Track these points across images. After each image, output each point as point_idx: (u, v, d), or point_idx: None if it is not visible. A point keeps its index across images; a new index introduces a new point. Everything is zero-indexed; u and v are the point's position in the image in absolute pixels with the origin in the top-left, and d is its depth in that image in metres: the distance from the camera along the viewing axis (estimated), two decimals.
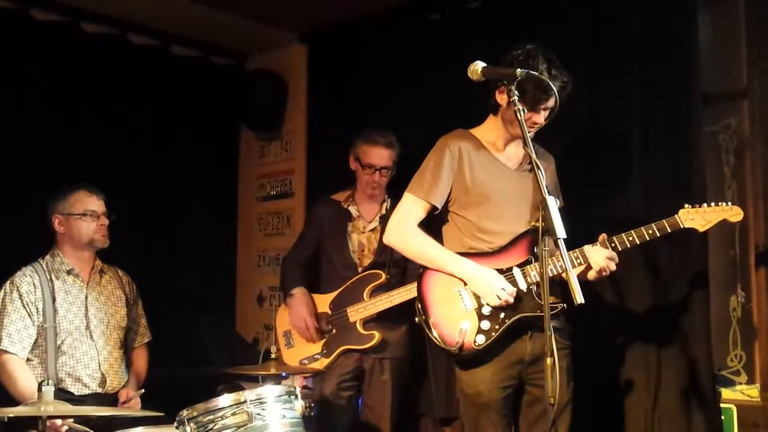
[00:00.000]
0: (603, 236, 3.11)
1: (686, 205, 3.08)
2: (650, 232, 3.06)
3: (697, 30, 3.62)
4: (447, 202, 3.22)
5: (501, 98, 3.10)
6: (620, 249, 3.08)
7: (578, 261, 3.07)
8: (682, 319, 3.53)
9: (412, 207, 3.22)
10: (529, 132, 3.09)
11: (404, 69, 4.60)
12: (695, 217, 3.06)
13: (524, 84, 2.82)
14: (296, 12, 4.87)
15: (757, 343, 3.58)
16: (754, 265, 3.58)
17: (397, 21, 4.67)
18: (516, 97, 2.61)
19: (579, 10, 3.94)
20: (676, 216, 3.07)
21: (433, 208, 3.21)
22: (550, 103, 3.05)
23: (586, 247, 3.08)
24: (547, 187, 2.52)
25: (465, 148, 3.20)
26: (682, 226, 3.06)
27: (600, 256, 3.06)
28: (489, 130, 3.25)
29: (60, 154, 4.60)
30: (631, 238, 3.07)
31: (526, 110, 2.81)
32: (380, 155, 3.95)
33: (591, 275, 3.10)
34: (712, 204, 3.08)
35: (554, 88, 2.92)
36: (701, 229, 3.08)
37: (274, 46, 5.40)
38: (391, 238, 3.26)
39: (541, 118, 3.08)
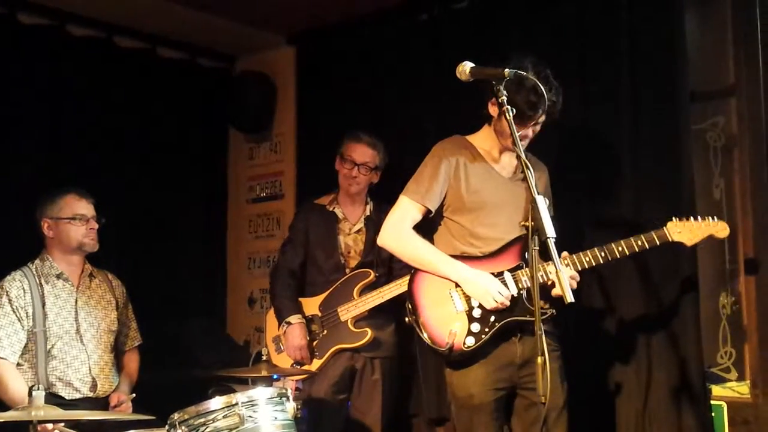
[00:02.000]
0: (565, 254, 3.10)
1: (674, 218, 3.11)
2: (639, 243, 3.09)
3: (684, 28, 3.64)
4: (441, 206, 3.24)
5: (493, 110, 3.12)
6: (610, 258, 3.10)
7: (544, 277, 3.02)
8: (672, 316, 3.55)
9: (408, 209, 3.22)
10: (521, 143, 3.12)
11: (392, 70, 4.61)
12: (683, 231, 3.10)
13: (514, 99, 2.84)
14: (284, 14, 4.87)
15: (747, 340, 3.60)
16: (743, 261, 3.60)
17: (385, 22, 4.68)
18: (505, 97, 2.61)
19: (566, 9, 3.95)
20: (664, 228, 3.10)
21: (428, 211, 3.22)
22: (539, 119, 3.08)
23: (550, 267, 3.04)
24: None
25: (461, 155, 3.21)
26: (670, 239, 3.10)
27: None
28: (484, 139, 3.27)
29: (48, 158, 4.58)
30: (620, 248, 3.09)
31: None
32: (362, 152, 3.97)
33: (554, 292, 3.07)
34: (699, 219, 3.12)
35: (543, 104, 2.96)
36: (689, 244, 3.13)
37: (263, 48, 5.39)
38: (387, 240, 3.27)
39: (529, 131, 3.11)
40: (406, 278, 3.31)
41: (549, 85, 3.02)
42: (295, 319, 3.88)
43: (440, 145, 3.28)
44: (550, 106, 3.03)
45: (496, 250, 3.16)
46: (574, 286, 3.04)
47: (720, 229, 3.12)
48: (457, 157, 3.21)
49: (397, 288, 3.67)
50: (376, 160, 4.00)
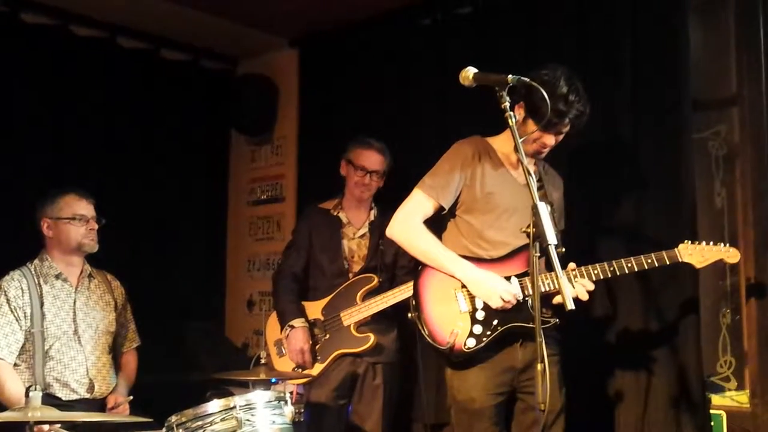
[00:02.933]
0: (572, 266, 3.10)
1: (687, 241, 3.12)
2: (649, 261, 3.09)
3: (687, 37, 3.64)
4: (454, 204, 3.24)
5: (519, 113, 3.10)
6: (618, 273, 3.10)
7: (550, 286, 3.04)
8: (672, 324, 3.54)
9: (421, 203, 3.22)
10: (539, 154, 3.16)
11: (395, 74, 4.62)
12: (694, 253, 3.11)
13: (540, 105, 2.87)
14: (287, 17, 4.87)
15: (747, 349, 3.59)
16: (744, 272, 3.59)
17: (388, 26, 4.68)
18: (507, 103, 2.62)
19: (569, 16, 3.95)
20: (675, 249, 3.11)
21: (441, 208, 3.22)
22: (564, 128, 3.08)
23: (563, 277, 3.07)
24: (553, 212, 2.52)
25: (479, 156, 3.21)
26: (680, 260, 3.10)
27: (577, 286, 3.06)
28: (504, 142, 3.27)
29: (49, 158, 4.58)
30: (629, 265, 3.09)
31: (537, 130, 2.98)
32: (373, 159, 3.97)
33: (556, 300, 3.09)
34: (711, 243, 3.13)
35: (570, 114, 3.00)
36: (698, 266, 3.13)
37: (265, 51, 5.40)
38: (395, 232, 3.25)
39: (552, 140, 3.12)
40: (410, 284, 3.30)
41: (579, 96, 3.03)
42: (298, 323, 3.87)
43: (460, 143, 3.28)
44: (577, 116, 3.04)
45: (504, 255, 3.16)
46: (586, 296, 3.05)
47: (731, 255, 3.14)
48: (475, 157, 3.21)
49: (400, 293, 3.66)
50: (385, 166, 4.00)
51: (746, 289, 3.57)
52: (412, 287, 3.25)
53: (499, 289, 3.04)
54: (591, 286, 3.07)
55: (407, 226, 3.22)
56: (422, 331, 3.12)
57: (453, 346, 3.05)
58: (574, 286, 3.03)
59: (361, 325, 3.82)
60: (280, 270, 4.12)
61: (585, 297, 3.05)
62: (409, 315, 3.19)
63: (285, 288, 4.00)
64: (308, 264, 4.04)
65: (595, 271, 3.10)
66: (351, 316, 3.81)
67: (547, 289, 3.03)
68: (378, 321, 3.83)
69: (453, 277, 3.13)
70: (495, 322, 3.07)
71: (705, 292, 3.61)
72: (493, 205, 3.18)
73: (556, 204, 3.30)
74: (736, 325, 3.64)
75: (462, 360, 3.10)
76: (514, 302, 3.04)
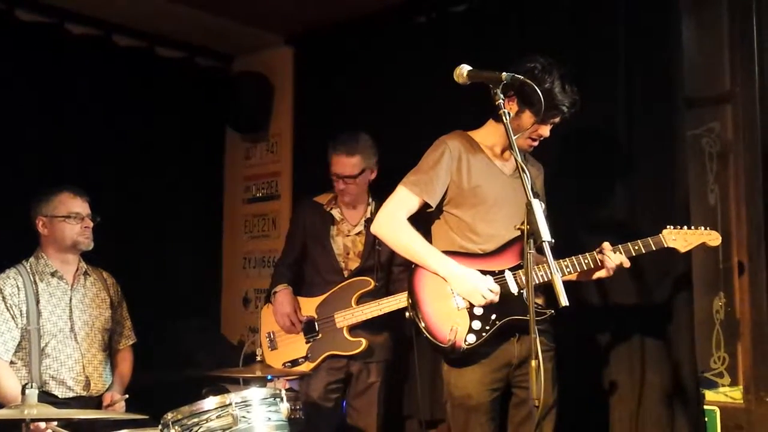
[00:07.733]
0: (606, 244, 3.15)
1: (669, 227, 3.17)
2: (636, 248, 3.14)
3: (681, 34, 3.65)
4: (442, 200, 3.23)
5: (510, 107, 3.08)
6: None
7: (543, 278, 3.06)
8: (666, 321, 3.56)
9: (404, 200, 3.21)
10: (530, 147, 3.19)
11: (390, 72, 4.62)
12: (677, 238, 3.17)
13: (532, 97, 2.88)
14: (282, 14, 4.87)
15: (740, 345, 3.61)
16: (737, 268, 3.61)
17: (383, 24, 4.69)
18: (502, 101, 2.63)
19: (563, 13, 3.96)
20: (660, 235, 3.16)
21: (426, 205, 3.21)
22: (558, 119, 3.11)
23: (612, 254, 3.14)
24: (536, 194, 2.54)
25: (464, 150, 3.21)
26: (665, 245, 3.15)
27: (619, 259, 3.13)
28: (488, 135, 3.27)
29: (44, 156, 4.58)
30: (617, 253, 3.13)
31: (534, 122, 3.03)
32: (342, 164, 3.90)
33: (601, 274, 3.17)
34: (693, 227, 3.20)
35: (564, 105, 3.04)
36: (682, 250, 3.19)
37: (261, 48, 5.40)
38: (379, 228, 3.25)
39: (547, 131, 3.14)
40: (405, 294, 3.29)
41: (571, 84, 3.07)
42: (280, 287, 3.97)
43: (443, 139, 3.27)
44: (573, 104, 3.08)
45: (496, 249, 3.16)
46: (613, 268, 3.12)
47: (713, 238, 3.20)
48: (459, 151, 3.20)
49: (396, 302, 3.65)
50: (361, 164, 3.91)
51: (739, 285, 3.59)
52: (407, 296, 3.24)
53: (480, 286, 3.05)
54: (627, 263, 3.13)
55: (390, 222, 3.21)
56: (422, 330, 3.10)
57: (454, 343, 3.04)
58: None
59: (355, 328, 3.83)
60: (277, 263, 4.21)
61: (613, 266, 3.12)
62: (407, 314, 3.18)
63: (277, 272, 4.10)
64: (304, 256, 4.06)
65: (586, 261, 3.13)
66: (345, 319, 3.81)
67: (541, 280, 3.04)
68: (371, 322, 3.81)
69: (437, 274, 3.11)
70: (493, 316, 3.07)
71: (698, 288, 3.62)
72: (481, 198, 3.18)
73: (540, 192, 3.32)
74: (730, 321, 3.66)
75: (462, 356, 3.10)
76: (496, 300, 3.05)
